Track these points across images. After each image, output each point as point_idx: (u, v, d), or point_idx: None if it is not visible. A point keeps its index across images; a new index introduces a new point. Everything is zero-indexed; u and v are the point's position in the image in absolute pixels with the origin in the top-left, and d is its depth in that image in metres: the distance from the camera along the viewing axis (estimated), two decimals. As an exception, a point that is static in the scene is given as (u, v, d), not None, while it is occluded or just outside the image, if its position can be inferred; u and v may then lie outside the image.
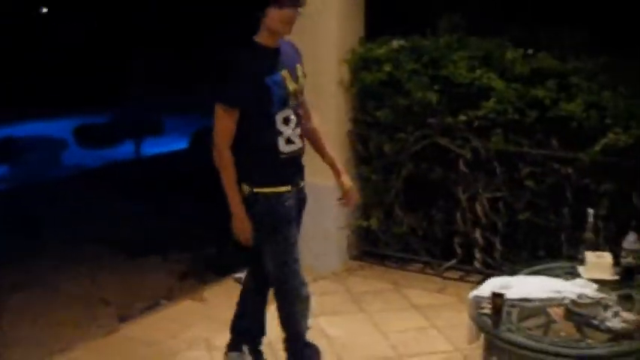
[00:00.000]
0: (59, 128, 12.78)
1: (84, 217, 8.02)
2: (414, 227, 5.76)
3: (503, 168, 5.31)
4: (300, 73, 3.79)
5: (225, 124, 3.64)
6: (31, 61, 14.32)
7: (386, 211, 5.82)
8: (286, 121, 3.70)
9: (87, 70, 14.21)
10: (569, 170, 5.07)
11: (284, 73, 3.67)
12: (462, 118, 5.34)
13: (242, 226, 3.73)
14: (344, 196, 4.04)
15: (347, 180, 4.02)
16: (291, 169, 3.79)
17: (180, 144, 11.29)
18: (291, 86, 3.70)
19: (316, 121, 4.00)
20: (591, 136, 4.96)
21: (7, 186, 10.36)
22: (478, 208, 5.45)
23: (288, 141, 3.72)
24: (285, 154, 3.71)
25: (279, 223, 3.74)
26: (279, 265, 3.81)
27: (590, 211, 4.19)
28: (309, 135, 3.95)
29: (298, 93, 3.76)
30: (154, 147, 12.07)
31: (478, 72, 5.27)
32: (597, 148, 4.91)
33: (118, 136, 12.92)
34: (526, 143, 5.20)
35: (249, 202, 3.73)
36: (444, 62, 5.40)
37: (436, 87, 5.41)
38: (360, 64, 5.64)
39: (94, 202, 8.57)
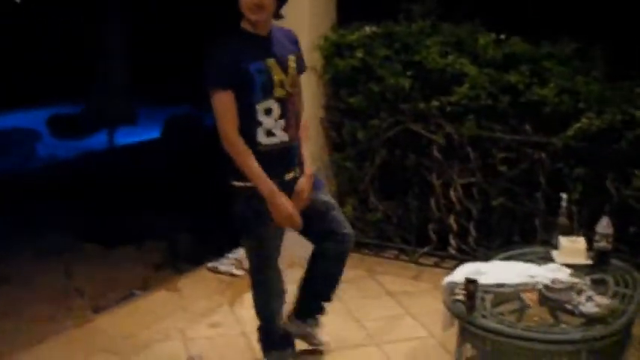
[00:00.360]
0: (32, 119, 12.67)
1: (57, 208, 7.97)
2: (388, 214, 5.75)
3: (476, 154, 5.30)
4: (292, 64, 3.62)
5: (224, 108, 3.49)
6: (3, 52, 14.15)
7: (360, 198, 5.81)
8: (268, 112, 3.54)
9: (59, 60, 14.07)
10: (543, 155, 5.06)
11: (270, 61, 3.53)
12: (435, 103, 5.32)
13: (282, 210, 3.57)
14: (294, 196, 3.72)
15: (301, 182, 3.75)
16: (272, 162, 3.58)
17: (153, 133, 11.22)
18: (278, 76, 3.55)
19: (304, 117, 3.86)
20: (564, 120, 4.96)
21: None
22: (452, 194, 5.45)
23: (269, 133, 3.56)
24: (263, 145, 3.55)
25: (253, 218, 3.62)
26: (256, 259, 3.77)
27: (564, 195, 4.20)
28: None
29: (287, 84, 3.59)
30: (127, 137, 11.99)
31: (450, 58, 5.26)
32: (570, 132, 4.91)
33: (91, 126, 12.82)
34: (499, 129, 5.20)
35: (229, 195, 3.65)
36: (416, 48, 5.39)
37: (409, 73, 5.39)
38: (332, 51, 5.61)
39: (68, 193, 8.51)
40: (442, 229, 5.56)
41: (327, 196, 3.95)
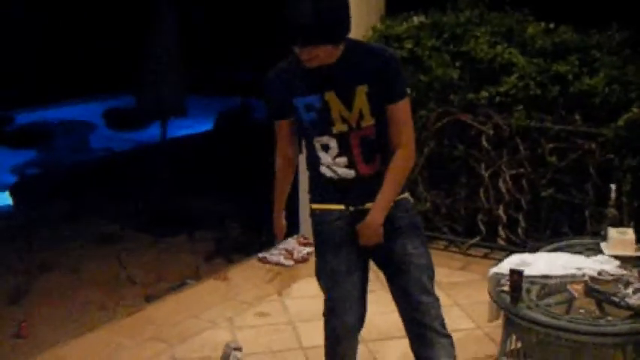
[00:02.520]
0: (87, 111, 12.83)
1: (111, 198, 8.09)
2: (437, 205, 5.73)
3: (525, 144, 5.26)
4: (360, 97, 3.07)
5: (276, 135, 3.28)
6: (60, 43, 14.30)
7: (409, 189, 5.74)
8: (325, 148, 3.17)
9: (111, 52, 14.17)
10: (593, 145, 5.01)
11: (329, 95, 3.07)
12: (484, 94, 5.30)
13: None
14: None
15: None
16: (341, 190, 3.24)
17: (205, 125, 11.29)
18: (337, 111, 3.09)
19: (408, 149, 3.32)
20: (615, 110, 4.91)
21: (37, 170, 10.46)
22: (501, 184, 5.41)
23: (329, 169, 3.21)
24: (327, 177, 3.23)
25: (321, 244, 3.33)
26: (322, 289, 3.36)
27: (613, 186, 4.15)
28: None
29: (351, 119, 3.10)
30: (179, 129, 12.06)
31: (499, 48, 5.23)
32: (621, 122, 4.85)
33: (145, 118, 12.93)
34: (548, 119, 5.16)
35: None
36: (465, 38, 5.38)
37: (457, 63, 5.38)
38: (380, 42, 5.61)
39: (122, 184, 8.63)
40: (491, 220, 5.53)
41: (413, 248, 3.43)
